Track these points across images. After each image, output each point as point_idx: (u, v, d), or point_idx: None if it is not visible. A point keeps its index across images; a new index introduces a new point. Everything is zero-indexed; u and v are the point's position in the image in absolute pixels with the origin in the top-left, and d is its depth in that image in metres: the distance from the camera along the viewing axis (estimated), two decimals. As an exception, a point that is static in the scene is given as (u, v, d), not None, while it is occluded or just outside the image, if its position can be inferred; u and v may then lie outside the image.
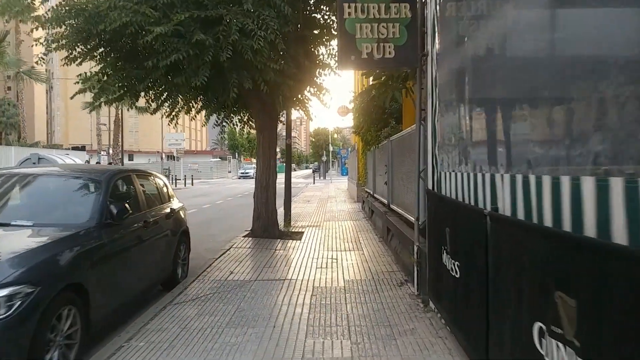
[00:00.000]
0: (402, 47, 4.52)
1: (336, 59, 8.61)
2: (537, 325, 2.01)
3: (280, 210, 10.51)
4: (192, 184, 35.29)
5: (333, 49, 8.44)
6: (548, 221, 2.06)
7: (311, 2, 8.12)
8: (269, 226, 8.92)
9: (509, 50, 2.87)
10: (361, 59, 4.47)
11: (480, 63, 3.27)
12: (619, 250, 1.54)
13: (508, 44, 2.86)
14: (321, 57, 8.54)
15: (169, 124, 9.45)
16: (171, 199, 6.20)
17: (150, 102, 8.23)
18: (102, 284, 3.85)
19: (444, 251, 3.74)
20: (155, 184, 5.92)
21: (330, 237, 9.23)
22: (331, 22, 8.10)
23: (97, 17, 6.03)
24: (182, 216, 6.33)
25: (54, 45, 7.07)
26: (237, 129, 12.28)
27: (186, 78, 6.30)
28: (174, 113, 9.12)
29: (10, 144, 33.52)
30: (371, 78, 8.25)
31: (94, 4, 6.17)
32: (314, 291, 5.25)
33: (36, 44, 7.21)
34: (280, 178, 9.78)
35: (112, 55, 7.30)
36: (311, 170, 63.57)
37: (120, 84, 7.33)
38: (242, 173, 49.66)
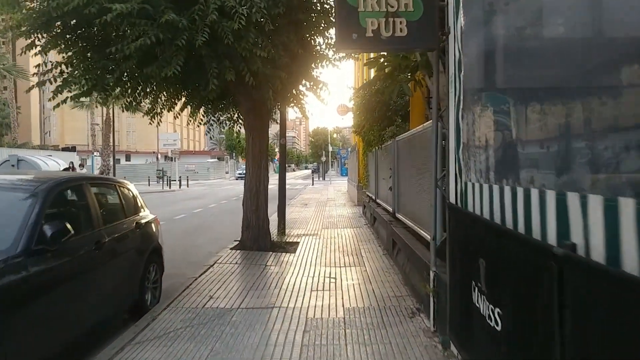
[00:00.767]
0: (416, 22, 3.55)
1: (334, 49, 7.65)
2: None
3: (274, 217, 9.57)
4: (187, 186, 34.27)
5: (331, 38, 7.47)
6: None
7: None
8: (260, 237, 7.95)
9: (564, 26, 1.98)
10: (365, 38, 3.49)
11: (522, 42, 2.38)
12: None
13: (560, 18, 1.97)
14: (318, 47, 7.57)
15: (150, 123, 8.46)
16: (140, 211, 5.26)
17: (127, 97, 7.23)
18: (23, 332, 2.91)
19: (476, 288, 2.80)
20: (120, 194, 4.96)
21: (329, 248, 8.27)
22: (329, 7, 7.12)
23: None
24: (153, 230, 5.39)
25: (10, 33, 6.15)
26: (230, 129, 11.27)
27: (157, 68, 5.33)
28: (155, 110, 8.20)
29: (2, 145, 32.53)
30: (372, 70, 7.24)
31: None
32: (307, 325, 4.31)
33: None
34: (274, 180, 8.81)
35: (80, 44, 6.35)
36: (310, 171, 62.55)
37: (88, 76, 6.34)
38: (239, 174, 48.75)
